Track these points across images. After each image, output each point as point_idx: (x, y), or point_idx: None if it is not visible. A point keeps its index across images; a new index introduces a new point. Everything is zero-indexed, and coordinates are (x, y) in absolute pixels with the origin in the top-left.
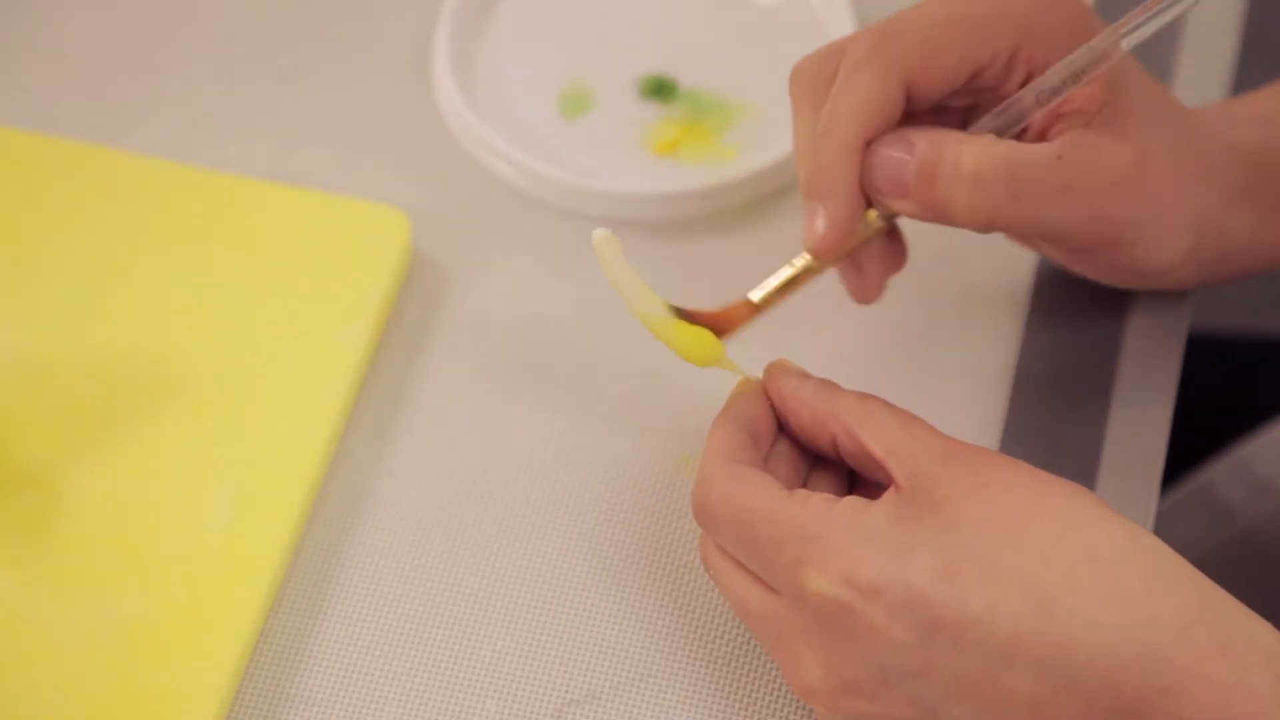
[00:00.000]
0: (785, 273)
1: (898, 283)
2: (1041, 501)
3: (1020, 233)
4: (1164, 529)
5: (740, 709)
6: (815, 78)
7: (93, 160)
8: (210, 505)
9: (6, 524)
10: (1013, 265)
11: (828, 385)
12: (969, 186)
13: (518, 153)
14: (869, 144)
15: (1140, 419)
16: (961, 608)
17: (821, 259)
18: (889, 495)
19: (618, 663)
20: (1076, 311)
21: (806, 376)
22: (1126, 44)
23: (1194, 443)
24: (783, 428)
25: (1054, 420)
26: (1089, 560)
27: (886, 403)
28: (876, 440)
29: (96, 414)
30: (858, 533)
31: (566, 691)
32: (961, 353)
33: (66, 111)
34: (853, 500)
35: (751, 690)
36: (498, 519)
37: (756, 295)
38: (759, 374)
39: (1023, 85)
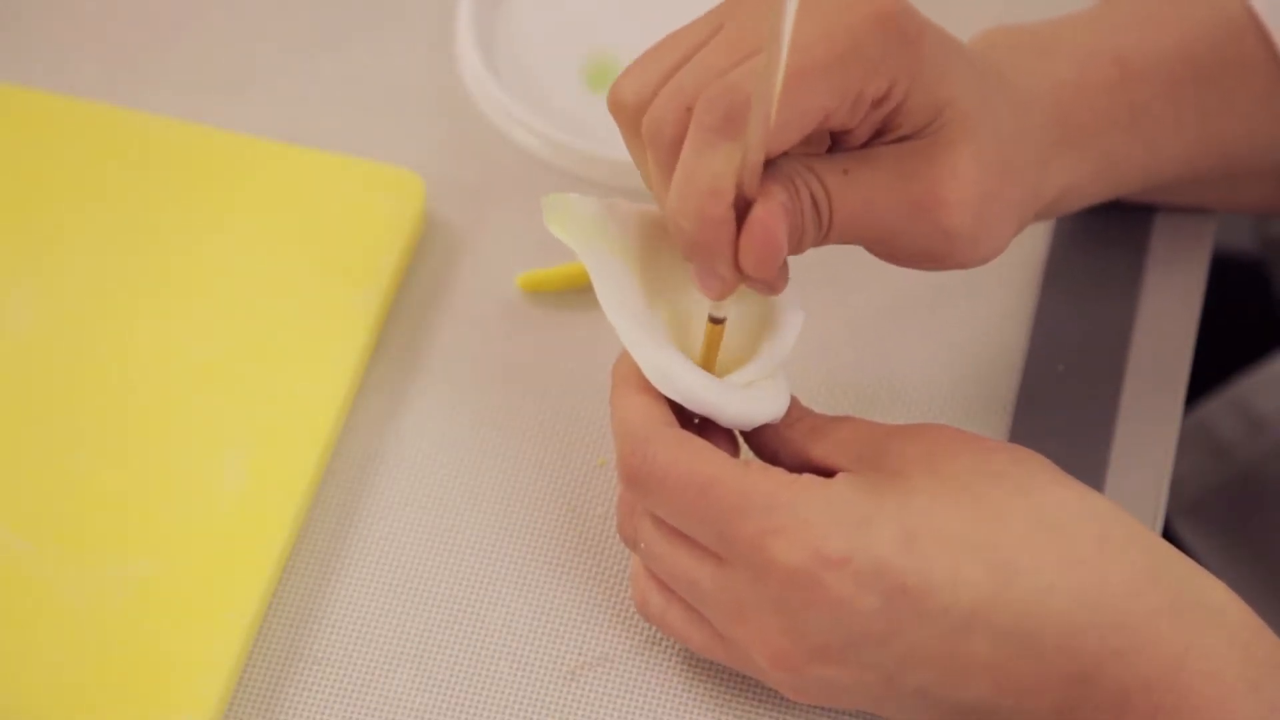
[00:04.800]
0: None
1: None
2: (989, 466)
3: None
4: None
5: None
6: (661, 127)
7: (108, 121)
8: (225, 467)
9: (19, 485)
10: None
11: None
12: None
13: (541, 120)
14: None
15: (1155, 394)
16: (924, 575)
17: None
18: (843, 475)
19: (631, 626)
20: (1091, 286)
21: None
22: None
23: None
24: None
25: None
26: (1043, 525)
27: (821, 415)
28: (816, 449)
29: (110, 375)
30: (822, 504)
31: (579, 654)
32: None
33: (84, 72)
34: (811, 474)
35: None
36: (510, 480)
37: (718, 313)
38: None
39: (865, 119)
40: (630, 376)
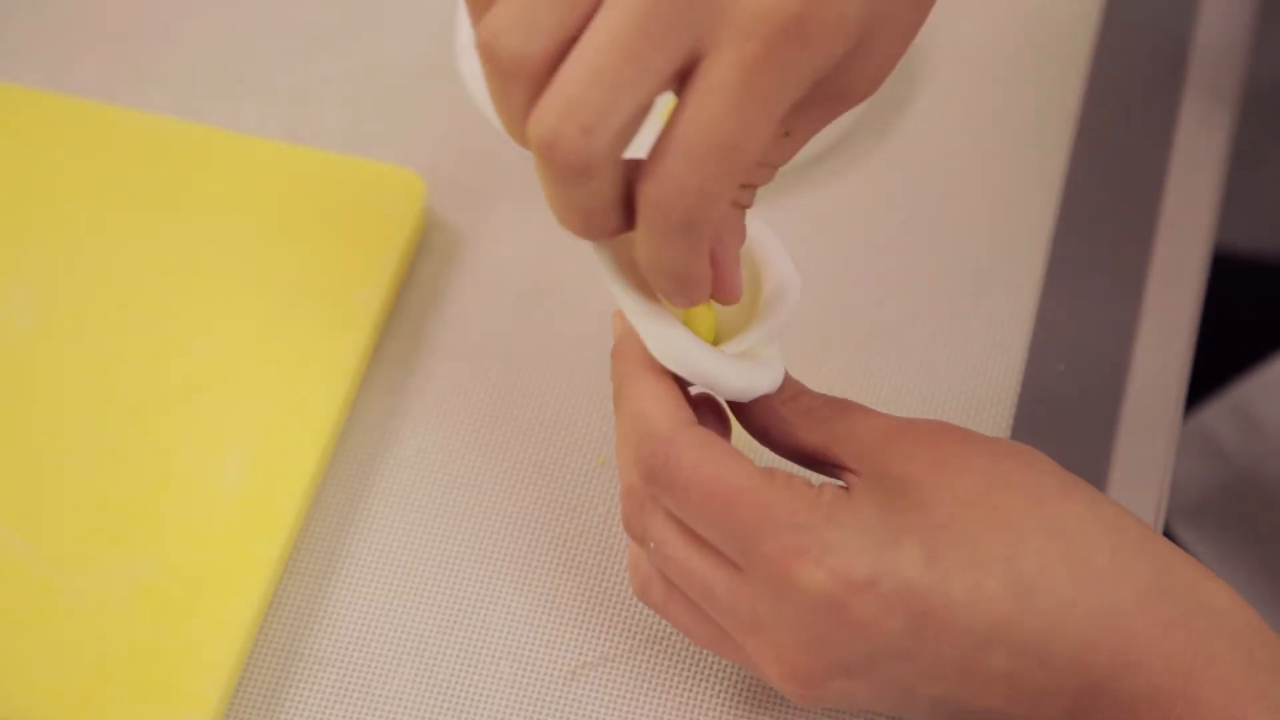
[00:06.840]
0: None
1: (912, 247)
2: (1001, 472)
3: None
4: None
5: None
6: (556, 153)
7: (108, 120)
8: (225, 466)
9: (19, 485)
10: (1029, 234)
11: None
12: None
13: None
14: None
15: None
16: (947, 594)
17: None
18: (857, 483)
19: (631, 625)
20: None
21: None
22: None
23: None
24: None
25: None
26: (1059, 539)
27: (816, 393)
28: (813, 435)
29: (111, 375)
30: (850, 525)
31: (580, 654)
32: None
33: (84, 72)
34: (833, 488)
35: None
36: (512, 479)
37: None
38: None
39: None
40: (641, 360)
